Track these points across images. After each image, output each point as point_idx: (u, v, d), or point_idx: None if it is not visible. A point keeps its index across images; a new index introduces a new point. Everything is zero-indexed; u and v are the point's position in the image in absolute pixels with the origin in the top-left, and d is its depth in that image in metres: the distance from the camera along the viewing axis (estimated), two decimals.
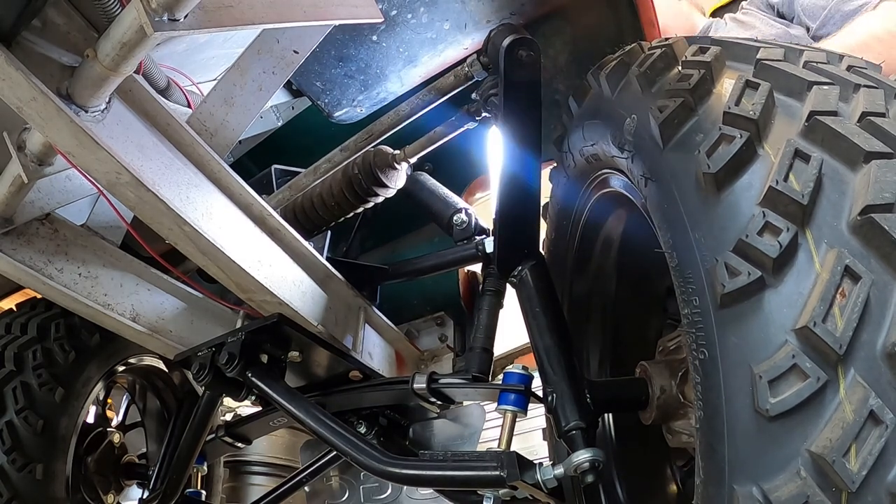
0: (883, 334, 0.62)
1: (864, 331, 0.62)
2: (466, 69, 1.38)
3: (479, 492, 1.19)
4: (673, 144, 0.84)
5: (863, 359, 0.62)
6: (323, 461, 1.73)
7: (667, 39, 1.01)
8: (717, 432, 0.72)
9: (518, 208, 1.28)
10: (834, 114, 0.74)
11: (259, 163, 1.92)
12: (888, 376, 0.61)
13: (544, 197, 1.38)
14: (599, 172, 1.22)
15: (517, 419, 1.20)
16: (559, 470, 1.08)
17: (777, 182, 0.69)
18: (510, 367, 1.24)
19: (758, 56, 0.85)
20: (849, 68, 0.85)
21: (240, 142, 1.63)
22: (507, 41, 1.14)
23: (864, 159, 0.69)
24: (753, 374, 0.67)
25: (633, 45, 1.07)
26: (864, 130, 0.72)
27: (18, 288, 1.69)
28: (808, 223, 0.68)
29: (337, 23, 1.33)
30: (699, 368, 0.76)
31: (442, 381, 1.34)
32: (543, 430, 1.65)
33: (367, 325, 1.63)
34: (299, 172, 1.64)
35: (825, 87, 0.78)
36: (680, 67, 0.90)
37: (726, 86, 0.82)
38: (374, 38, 1.55)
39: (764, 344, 0.67)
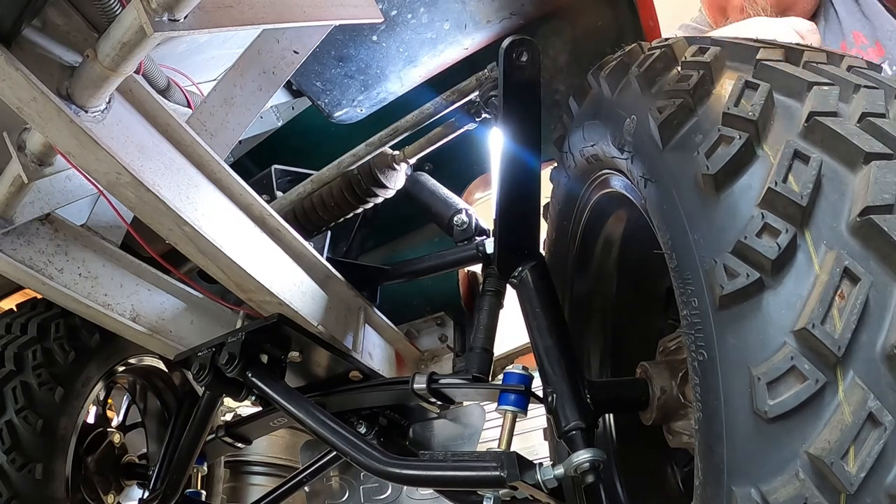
0: (882, 336, 0.62)
1: (862, 332, 0.62)
2: (488, 73, 1.38)
3: (479, 492, 1.19)
4: (672, 145, 0.83)
5: (862, 360, 0.62)
6: (323, 461, 1.73)
7: (667, 40, 1.00)
8: (716, 434, 0.72)
9: (518, 209, 1.28)
10: (834, 114, 0.73)
11: (259, 163, 1.92)
12: (887, 378, 0.60)
13: (545, 197, 1.38)
14: (600, 173, 1.22)
15: (517, 419, 1.20)
16: (559, 470, 1.08)
17: (776, 183, 0.69)
18: (510, 367, 1.24)
19: (757, 56, 0.84)
20: (849, 69, 0.84)
21: (240, 142, 1.63)
22: (505, 42, 1.14)
23: (864, 160, 0.69)
24: (752, 375, 0.67)
25: (633, 45, 1.07)
26: (863, 131, 0.72)
27: (18, 288, 1.69)
28: (808, 224, 0.68)
29: (337, 23, 1.33)
30: (698, 370, 0.75)
31: (442, 381, 1.34)
32: (544, 430, 1.65)
33: (367, 325, 1.63)
34: (299, 172, 1.64)
35: (825, 87, 0.77)
36: (679, 68, 0.90)
37: (726, 86, 0.82)
38: (374, 38, 1.54)
39: (762, 345, 0.67)
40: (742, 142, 0.74)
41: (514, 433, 1.20)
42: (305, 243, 1.49)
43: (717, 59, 0.86)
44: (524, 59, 1.13)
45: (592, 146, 1.15)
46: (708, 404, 0.73)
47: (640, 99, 0.93)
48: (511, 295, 1.38)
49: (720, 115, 0.78)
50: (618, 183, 1.15)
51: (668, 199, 0.82)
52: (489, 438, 1.58)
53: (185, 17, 0.94)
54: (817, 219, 0.68)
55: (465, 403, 1.59)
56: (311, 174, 1.66)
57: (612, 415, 1.50)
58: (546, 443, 1.61)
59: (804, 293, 0.66)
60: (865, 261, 0.64)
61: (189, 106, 1.56)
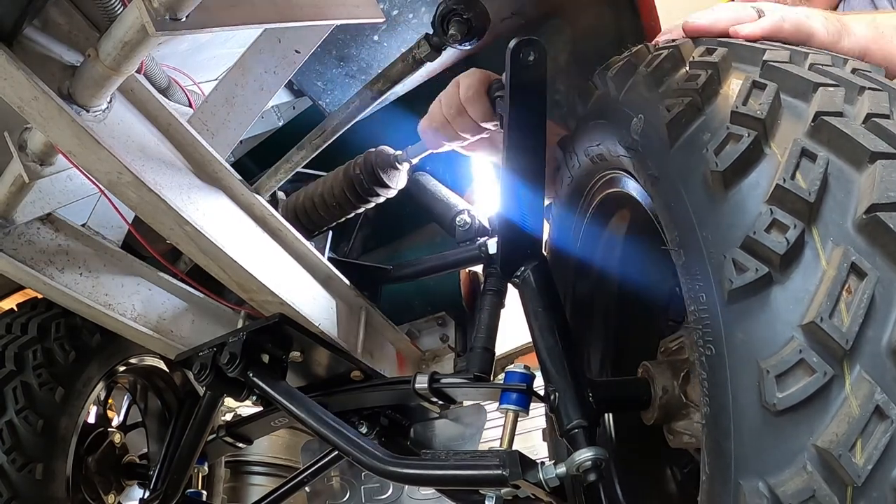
0: (888, 330, 0.63)
1: (869, 327, 0.63)
2: (415, 53, 1.30)
3: (480, 491, 1.19)
4: (680, 143, 0.84)
5: (868, 354, 0.63)
6: (324, 461, 1.73)
7: (674, 40, 1.02)
8: (724, 428, 0.72)
9: (522, 208, 1.28)
10: (839, 115, 0.74)
11: (260, 163, 1.91)
12: (893, 372, 0.61)
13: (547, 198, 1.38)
14: (605, 172, 1.22)
15: (519, 419, 1.20)
16: (561, 469, 1.08)
17: (784, 180, 0.70)
18: (511, 366, 1.24)
19: (764, 58, 0.85)
20: (853, 71, 0.85)
21: (241, 141, 1.63)
22: (512, 42, 1.15)
23: (870, 159, 0.70)
24: (760, 369, 0.67)
25: (639, 46, 1.07)
26: (869, 131, 0.73)
27: (19, 288, 1.68)
28: (815, 221, 0.69)
29: (339, 23, 1.33)
30: (705, 364, 0.76)
31: (443, 380, 1.34)
32: (543, 430, 1.65)
33: (368, 324, 1.63)
34: (301, 172, 1.64)
35: (830, 88, 0.78)
36: (687, 68, 0.91)
37: (733, 86, 0.82)
38: (376, 38, 1.55)
39: (771, 339, 0.68)
40: (751, 139, 0.74)
41: (516, 432, 1.20)
42: (307, 243, 1.49)
43: (724, 59, 0.87)
44: (531, 59, 1.13)
45: (598, 146, 1.16)
46: (716, 399, 0.74)
47: (648, 98, 0.94)
48: (512, 294, 1.39)
49: (728, 113, 0.79)
50: (622, 182, 1.16)
51: (675, 196, 0.83)
52: (491, 438, 1.58)
53: (186, 17, 0.94)
54: (824, 215, 0.69)
55: (466, 403, 1.60)
56: (312, 174, 1.66)
57: (611, 415, 1.51)
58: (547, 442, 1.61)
59: (812, 288, 0.66)
60: (871, 257, 0.65)
61: (190, 105, 1.56)
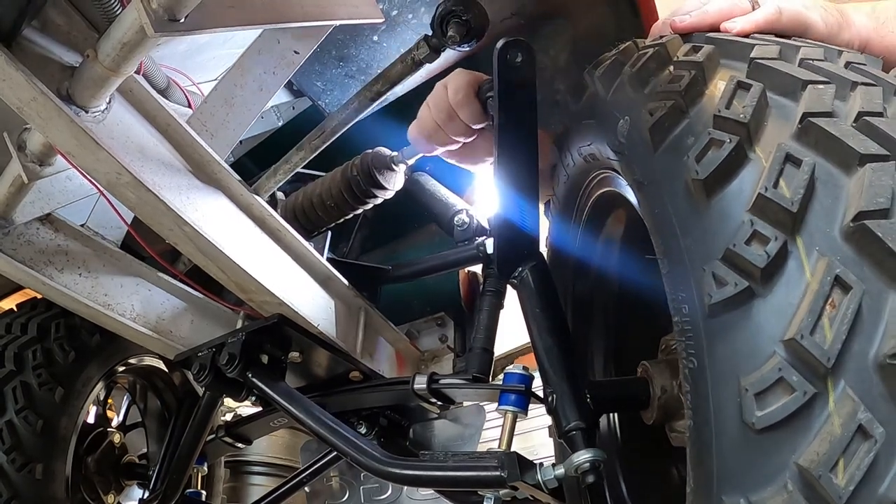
0: (875, 345, 0.59)
1: (854, 342, 0.60)
2: (414, 55, 1.30)
3: (479, 492, 1.18)
4: (664, 148, 0.81)
5: (853, 371, 0.60)
6: (323, 461, 1.73)
7: (661, 37, 0.99)
8: (706, 442, 0.70)
9: (517, 208, 1.27)
10: (829, 114, 0.71)
11: (260, 163, 1.91)
12: (879, 388, 0.58)
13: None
14: (598, 172, 1.20)
15: (518, 419, 1.20)
16: (560, 470, 1.07)
17: (766, 189, 0.67)
18: (510, 367, 1.23)
19: (752, 54, 0.82)
20: (847, 65, 0.81)
21: (240, 142, 1.63)
22: (499, 43, 1.13)
23: (859, 162, 0.66)
24: (741, 385, 0.65)
25: (627, 43, 1.04)
26: (859, 132, 0.69)
27: (19, 288, 1.70)
28: (799, 231, 0.66)
29: (338, 23, 1.32)
30: (689, 377, 0.74)
31: (442, 381, 1.33)
32: (549, 427, 1.64)
33: (367, 325, 1.63)
34: (300, 172, 1.64)
35: (821, 86, 0.75)
36: (672, 68, 0.87)
37: (718, 87, 0.79)
38: (375, 38, 1.54)
39: (751, 355, 0.65)
40: (733, 145, 0.72)
41: (515, 433, 1.19)
42: (306, 244, 1.48)
43: (710, 58, 0.84)
44: (518, 59, 1.12)
45: (589, 145, 1.14)
46: (699, 412, 0.72)
47: (633, 100, 0.91)
48: (511, 295, 1.38)
49: (711, 117, 0.76)
50: (615, 182, 1.14)
51: (659, 203, 0.81)
52: (489, 438, 1.57)
53: (185, 18, 0.93)
54: (809, 224, 0.66)
55: (465, 404, 1.59)
56: (311, 174, 1.66)
57: (616, 414, 1.49)
58: (546, 442, 1.60)
59: (794, 302, 0.64)
60: (859, 267, 0.62)
61: (189, 106, 1.56)
